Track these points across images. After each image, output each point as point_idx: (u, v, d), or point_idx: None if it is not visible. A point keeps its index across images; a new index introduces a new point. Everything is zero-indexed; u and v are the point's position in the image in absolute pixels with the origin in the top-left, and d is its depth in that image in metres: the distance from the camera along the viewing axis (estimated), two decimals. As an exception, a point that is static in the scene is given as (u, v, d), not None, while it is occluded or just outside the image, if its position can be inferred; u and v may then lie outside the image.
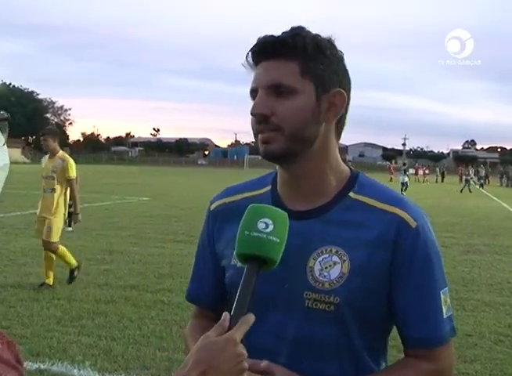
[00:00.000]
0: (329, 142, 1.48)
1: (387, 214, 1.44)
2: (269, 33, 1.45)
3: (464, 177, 44.93)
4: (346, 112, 1.49)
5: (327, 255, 1.42)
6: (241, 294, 1.20)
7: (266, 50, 1.42)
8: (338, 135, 1.52)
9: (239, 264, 1.40)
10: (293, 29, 1.44)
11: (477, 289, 8.72)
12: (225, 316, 1.18)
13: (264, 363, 1.35)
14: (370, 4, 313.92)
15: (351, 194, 1.49)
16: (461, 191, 39.53)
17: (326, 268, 1.41)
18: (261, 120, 1.41)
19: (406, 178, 36.58)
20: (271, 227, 1.22)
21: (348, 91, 1.48)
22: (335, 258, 1.42)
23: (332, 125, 1.48)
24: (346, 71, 1.49)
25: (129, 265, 9.70)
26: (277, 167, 1.54)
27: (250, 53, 1.45)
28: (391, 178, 50.95)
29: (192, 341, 1.52)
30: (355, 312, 1.41)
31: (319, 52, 1.42)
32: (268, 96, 1.41)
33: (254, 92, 1.45)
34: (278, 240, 1.22)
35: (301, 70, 1.40)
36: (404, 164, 44.45)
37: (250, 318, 1.18)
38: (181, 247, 11.43)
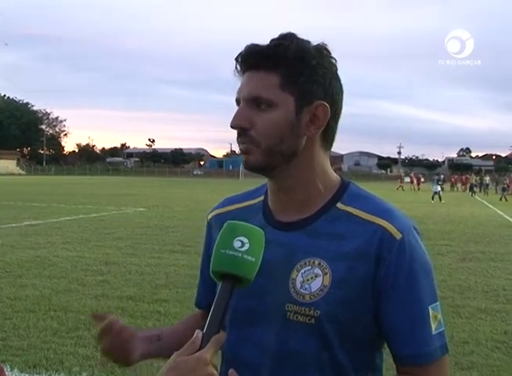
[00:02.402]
0: (314, 154, 1.44)
1: (372, 225, 1.39)
2: (263, 41, 1.40)
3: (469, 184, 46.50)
4: (336, 122, 1.45)
5: (310, 267, 1.39)
6: (214, 311, 1.19)
7: (249, 60, 1.39)
8: (326, 145, 1.47)
9: None
10: (279, 37, 1.39)
11: (473, 296, 8.72)
12: (197, 334, 1.16)
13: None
14: (367, 13, 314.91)
15: (339, 205, 1.45)
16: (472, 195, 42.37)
17: (307, 280, 1.38)
18: (240, 132, 1.39)
19: (439, 188, 37.65)
20: (246, 246, 1.21)
21: (337, 101, 1.43)
22: (317, 271, 1.38)
23: (316, 137, 1.43)
24: (336, 80, 1.43)
25: (125, 276, 9.68)
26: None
27: (236, 62, 1.42)
28: (415, 188, 52.19)
29: (179, 322, 1.65)
30: (335, 325, 1.37)
31: (303, 62, 1.37)
32: (248, 108, 1.38)
33: (237, 102, 1.42)
34: (253, 260, 1.21)
35: (281, 82, 1.36)
36: (437, 174, 45.40)
37: (222, 337, 1.16)
38: (177, 258, 11.39)
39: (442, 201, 35.73)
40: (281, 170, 1.42)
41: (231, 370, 1.26)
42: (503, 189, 42.74)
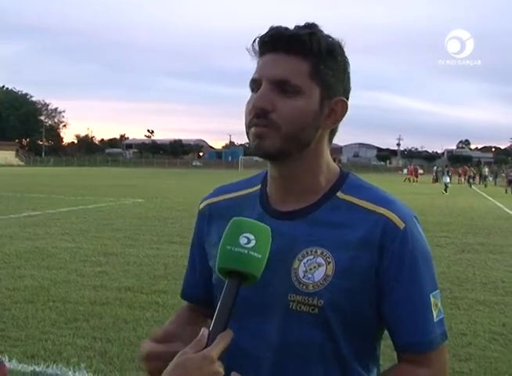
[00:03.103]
0: (322, 147, 1.45)
1: (374, 214, 1.39)
2: (262, 32, 1.38)
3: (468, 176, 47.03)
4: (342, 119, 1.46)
5: (312, 257, 1.38)
6: (220, 309, 1.18)
7: (279, 42, 1.36)
8: (331, 139, 1.49)
9: None
10: (308, 26, 1.38)
11: (472, 288, 8.74)
12: (203, 331, 1.16)
13: None
14: (367, 4, 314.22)
15: (339, 194, 1.45)
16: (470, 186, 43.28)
17: (310, 270, 1.37)
18: (260, 114, 1.35)
19: (448, 179, 39.25)
20: (253, 242, 1.20)
21: (348, 99, 1.45)
22: (320, 260, 1.37)
23: (327, 131, 1.45)
24: (349, 79, 1.45)
25: (124, 267, 9.68)
26: (268, 166, 1.50)
27: (258, 41, 1.39)
28: (413, 180, 52.51)
29: (173, 318, 1.61)
30: (339, 315, 1.37)
31: (332, 56, 1.37)
32: (271, 90, 1.35)
33: (255, 83, 1.39)
34: (260, 256, 1.20)
35: (311, 71, 1.35)
36: (446, 166, 46.31)
37: (229, 335, 1.16)
38: (176, 249, 11.42)
39: (447, 193, 36.17)
40: (292, 159, 1.41)
41: (233, 373, 1.24)
42: (510, 182, 42.71)
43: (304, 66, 1.35)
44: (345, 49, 1.42)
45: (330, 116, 1.41)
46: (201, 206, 1.65)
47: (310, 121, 1.38)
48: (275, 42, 1.37)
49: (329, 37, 1.39)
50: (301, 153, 1.41)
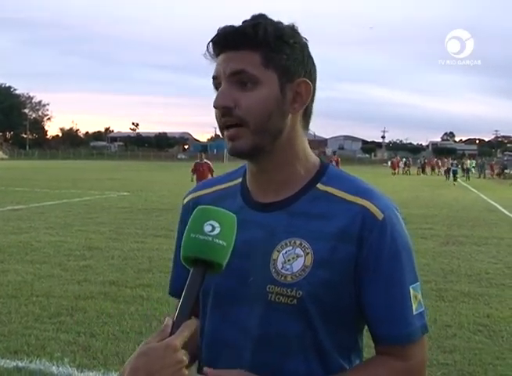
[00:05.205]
0: (296, 133, 1.44)
1: (353, 205, 1.38)
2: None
3: (448, 167, 47.83)
4: (312, 101, 1.45)
5: (291, 248, 1.38)
6: (185, 297, 1.16)
7: (227, 41, 1.37)
8: (305, 125, 1.47)
9: None
10: (254, 17, 1.39)
11: (457, 280, 8.77)
12: (167, 321, 1.15)
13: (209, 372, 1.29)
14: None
15: (319, 185, 1.44)
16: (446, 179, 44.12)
17: (288, 260, 1.37)
18: (224, 112, 1.36)
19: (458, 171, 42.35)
20: (217, 230, 1.18)
21: (314, 79, 1.44)
22: (298, 251, 1.37)
23: (298, 116, 1.43)
24: (311, 59, 1.44)
25: (108, 261, 9.63)
26: (246, 161, 1.49)
27: (210, 44, 1.40)
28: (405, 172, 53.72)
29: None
30: (318, 306, 1.36)
31: (282, 41, 1.37)
32: (230, 88, 1.36)
33: (215, 81, 1.40)
34: (224, 244, 1.18)
35: (263, 60, 1.35)
36: (455, 159, 48.21)
37: (193, 323, 1.15)
38: (161, 242, 11.38)
39: (455, 183, 38.67)
40: (267, 152, 1.40)
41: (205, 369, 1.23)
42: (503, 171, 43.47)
43: (255, 58, 1.35)
44: (300, 31, 1.42)
45: (296, 99, 1.40)
46: (185, 200, 1.65)
47: (275, 109, 1.37)
48: (224, 41, 1.37)
49: (279, 23, 1.39)
50: (275, 144, 1.40)
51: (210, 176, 15.19)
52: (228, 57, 1.37)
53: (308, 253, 1.36)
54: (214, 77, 1.40)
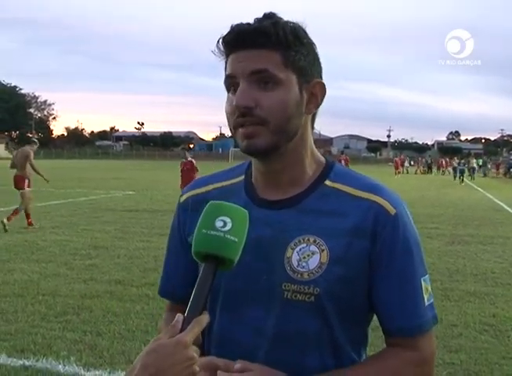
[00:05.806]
0: (307, 133, 1.45)
1: (365, 201, 1.40)
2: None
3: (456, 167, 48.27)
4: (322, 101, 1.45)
5: (305, 245, 1.37)
6: (196, 294, 1.16)
7: (245, 39, 1.34)
8: (312, 125, 1.48)
9: None
10: (268, 16, 1.37)
11: (462, 279, 8.75)
12: (178, 317, 1.14)
13: (238, 365, 1.30)
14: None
15: (328, 182, 1.45)
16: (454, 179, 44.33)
17: (304, 258, 1.36)
18: (245, 112, 1.34)
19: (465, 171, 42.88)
20: (229, 225, 1.18)
21: (322, 79, 1.44)
22: (313, 248, 1.37)
23: (310, 116, 1.44)
24: (319, 59, 1.44)
25: (114, 260, 9.65)
26: (253, 161, 1.48)
27: (224, 41, 1.37)
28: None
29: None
30: (335, 302, 1.37)
31: (298, 40, 1.36)
32: (251, 87, 1.34)
33: (231, 79, 1.37)
34: (236, 239, 1.18)
35: (283, 60, 1.34)
36: (462, 159, 49.74)
37: (204, 319, 1.15)
38: (166, 241, 11.32)
39: (463, 183, 38.85)
40: (280, 152, 1.40)
41: (238, 364, 1.25)
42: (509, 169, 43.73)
43: (275, 57, 1.35)
44: (307, 31, 1.42)
45: (311, 100, 1.41)
46: (182, 199, 1.62)
47: (294, 110, 1.37)
48: (242, 39, 1.35)
49: (291, 22, 1.39)
50: (288, 144, 1.40)
51: (195, 175, 14.87)
52: (248, 56, 1.35)
53: (323, 250, 1.37)
54: (231, 76, 1.38)
